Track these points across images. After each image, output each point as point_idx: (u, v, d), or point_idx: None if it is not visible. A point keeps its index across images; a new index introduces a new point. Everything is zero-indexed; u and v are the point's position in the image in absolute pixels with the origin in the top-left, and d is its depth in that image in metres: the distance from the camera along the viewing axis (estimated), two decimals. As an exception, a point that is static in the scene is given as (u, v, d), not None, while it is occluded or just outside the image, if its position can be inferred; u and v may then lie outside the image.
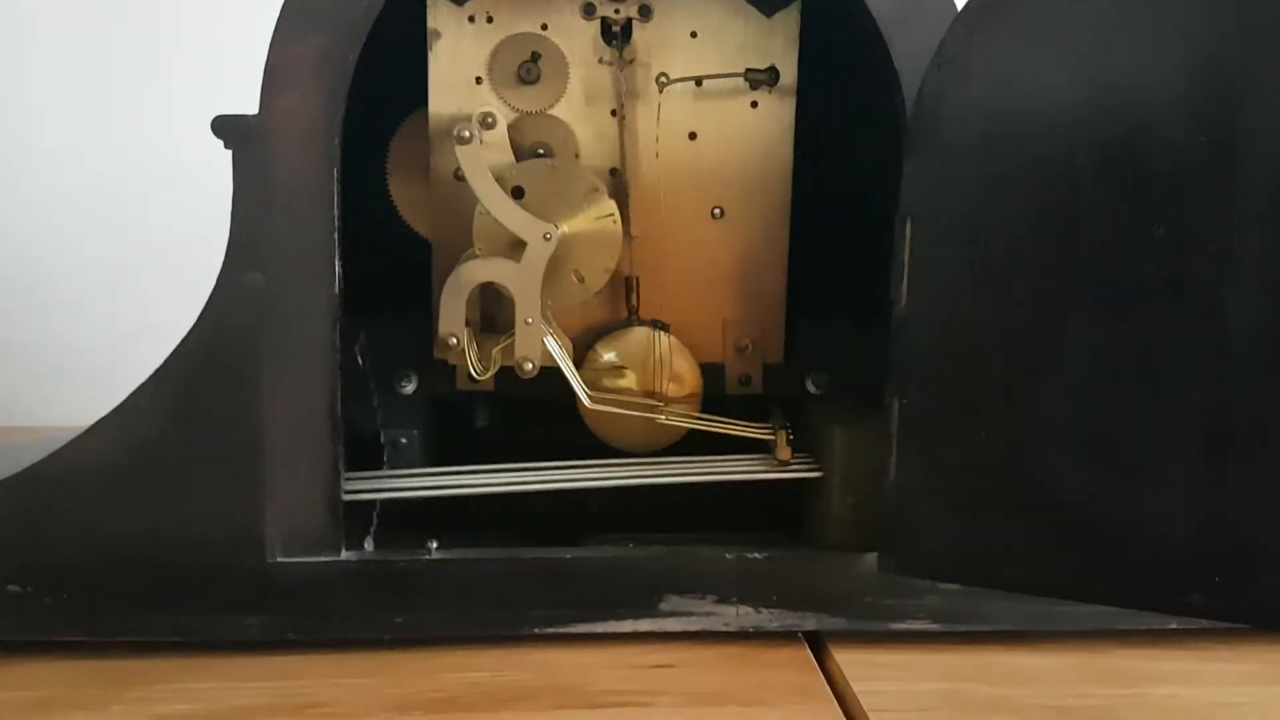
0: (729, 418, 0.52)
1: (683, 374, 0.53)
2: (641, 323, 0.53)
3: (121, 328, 0.88)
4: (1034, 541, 0.43)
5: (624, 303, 0.54)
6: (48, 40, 0.86)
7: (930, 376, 0.44)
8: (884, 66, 0.47)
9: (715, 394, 0.55)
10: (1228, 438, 0.40)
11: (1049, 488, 0.43)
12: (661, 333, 0.53)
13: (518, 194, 0.49)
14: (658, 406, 0.52)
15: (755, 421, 0.53)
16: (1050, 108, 0.41)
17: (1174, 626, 0.50)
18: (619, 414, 0.51)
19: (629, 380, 0.52)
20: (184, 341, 0.45)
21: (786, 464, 0.51)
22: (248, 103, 0.46)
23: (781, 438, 0.51)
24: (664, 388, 0.52)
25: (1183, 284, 0.40)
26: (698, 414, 0.52)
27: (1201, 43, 0.39)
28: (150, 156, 0.87)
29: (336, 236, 0.45)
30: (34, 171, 0.87)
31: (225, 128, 0.44)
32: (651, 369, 0.53)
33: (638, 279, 0.54)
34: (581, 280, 0.50)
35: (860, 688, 0.45)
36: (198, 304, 0.49)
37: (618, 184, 0.52)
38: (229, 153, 0.45)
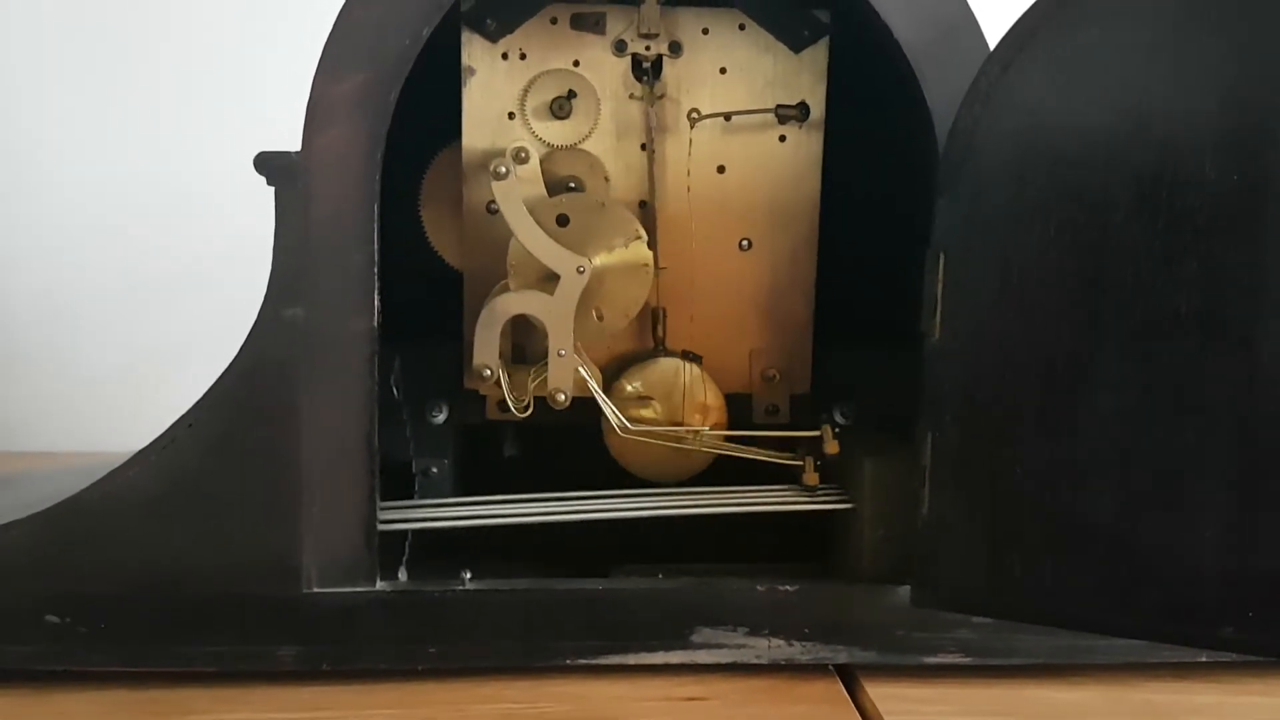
0: (758, 447, 0.52)
1: (709, 405, 0.53)
2: (668, 353, 0.54)
3: (139, 352, 0.89)
4: (1066, 575, 0.44)
5: (650, 333, 0.54)
6: (73, 62, 0.87)
7: (963, 409, 0.45)
8: (916, 101, 0.47)
9: (743, 424, 0.55)
10: (1261, 471, 0.41)
11: (1081, 521, 0.43)
12: (688, 364, 0.53)
13: (562, 221, 0.50)
14: (689, 435, 0.53)
15: (783, 451, 0.53)
16: (1083, 143, 0.42)
17: (1204, 660, 0.50)
18: (646, 444, 0.52)
19: (654, 411, 0.53)
20: (224, 374, 0.46)
21: (815, 492, 0.52)
22: (274, 128, 0.47)
23: (809, 464, 0.52)
24: (689, 419, 0.53)
25: (1215, 317, 0.41)
26: (728, 443, 0.53)
27: (1234, 78, 0.39)
28: (171, 181, 0.87)
29: (375, 271, 0.45)
30: (53, 194, 0.88)
31: (267, 165, 0.44)
32: (677, 400, 0.53)
33: (665, 310, 0.54)
34: (601, 319, 0.51)
35: (893, 722, 0.45)
36: (216, 328, 0.49)
37: (646, 216, 0.53)
38: (259, 183, 0.45)
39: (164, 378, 0.81)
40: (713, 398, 0.53)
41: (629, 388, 0.53)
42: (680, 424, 0.53)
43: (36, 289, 0.89)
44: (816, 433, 0.52)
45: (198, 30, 0.86)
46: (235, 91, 0.85)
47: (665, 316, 0.54)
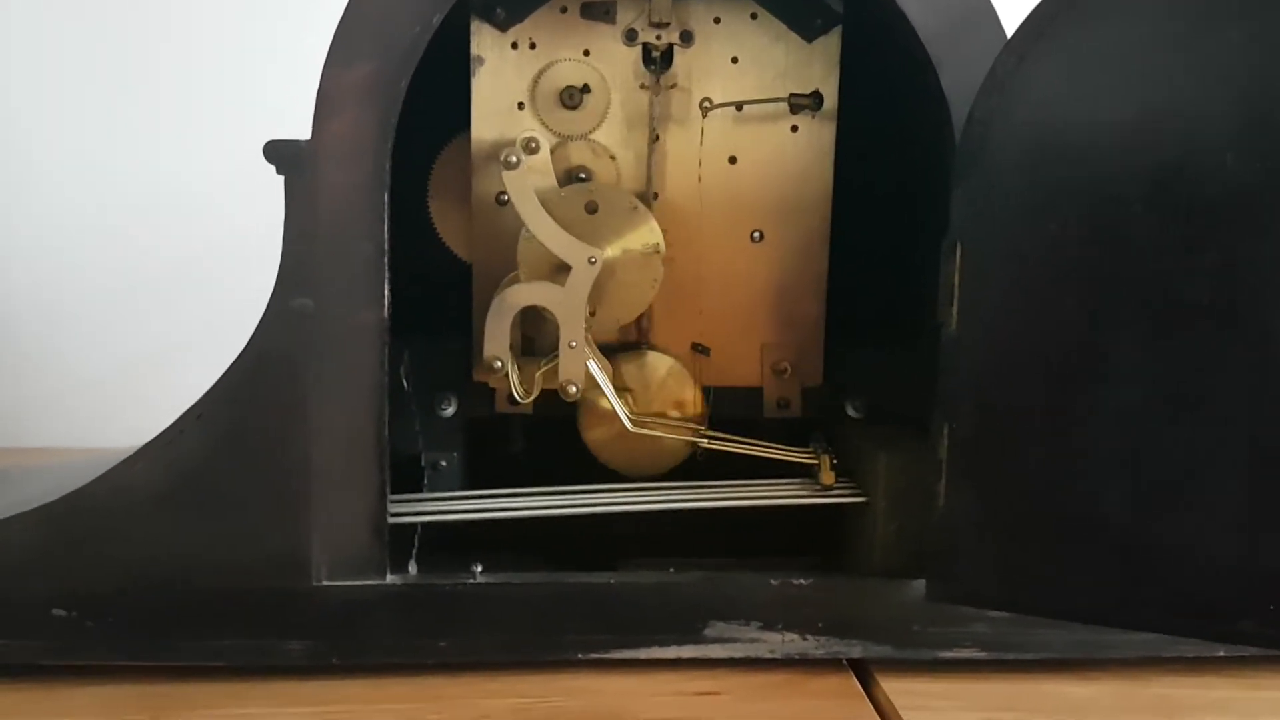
0: (768, 442, 0.52)
1: (684, 399, 0.53)
2: (650, 347, 0.53)
3: (138, 352, 0.89)
4: (1082, 568, 0.43)
5: (633, 326, 0.54)
6: (72, 62, 0.86)
7: (979, 401, 0.44)
8: (932, 92, 0.47)
9: (753, 417, 0.54)
10: (1276, 462, 0.40)
11: (1097, 514, 0.43)
12: (660, 356, 0.53)
13: (591, 208, 0.50)
14: (699, 430, 0.52)
15: (793, 445, 0.53)
16: (1100, 133, 0.41)
17: (1221, 654, 0.49)
18: (622, 439, 0.51)
19: (632, 404, 0.52)
20: (232, 366, 0.45)
21: (829, 489, 0.51)
22: (273, 128, 0.46)
23: (825, 463, 0.51)
24: (666, 413, 0.52)
25: (1231, 309, 0.40)
26: (739, 438, 0.52)
27: (1252, 68, 0.39)
28: (170, 180, 0.87)
29: (386, 261, 0.45)
30: (45, 191, 0.88)
31: (277, 153, 0.44)
32: (655, 393, 0.52)
33: (651, 305, 0.53)
34: (592, 314, 0.50)
35: (908, 718, 0.45)
36: (215, 328, 0.49)
37: (652, 206, 0.53)
38: (258, 183, 0.45)
39: (162, 377, 0.81)
40: (689, 392, 0.53)
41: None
42: (658, 417, 0.52)
43: (35, 287, 0.89)
44: (813, 460, 0.52)
45: (198, 30, 0.86)
46: (234, 91, 0.84)
47: (650, 309, 0.53)
